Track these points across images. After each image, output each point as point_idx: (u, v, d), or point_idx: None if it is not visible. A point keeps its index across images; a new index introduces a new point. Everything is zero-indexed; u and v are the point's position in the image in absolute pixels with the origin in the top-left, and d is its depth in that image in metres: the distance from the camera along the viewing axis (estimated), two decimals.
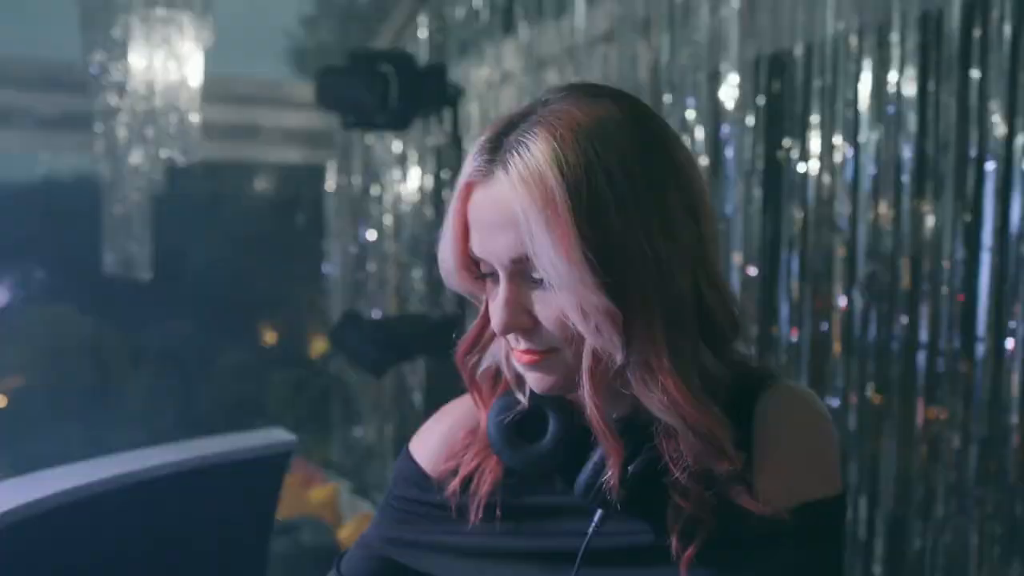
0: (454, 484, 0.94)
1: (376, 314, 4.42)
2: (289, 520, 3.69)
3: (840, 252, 2.64)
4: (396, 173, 4.72)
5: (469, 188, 0.83)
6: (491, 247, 0.82)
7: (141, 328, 4.89)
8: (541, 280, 0.81)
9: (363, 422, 5.31)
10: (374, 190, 4.94)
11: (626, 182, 0.78)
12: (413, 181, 4.59)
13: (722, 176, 2.94)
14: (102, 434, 4.77)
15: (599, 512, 0.86)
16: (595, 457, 0.86)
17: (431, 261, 4.37)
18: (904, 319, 2.50)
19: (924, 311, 2.42)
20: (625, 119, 0.81)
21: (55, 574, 1.16)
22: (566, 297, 0.79)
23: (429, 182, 4.52)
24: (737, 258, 2.89)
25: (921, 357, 2.45)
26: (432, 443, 0.99)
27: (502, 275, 0.83)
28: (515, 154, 0.79)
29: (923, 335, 2.43)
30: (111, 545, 1.23)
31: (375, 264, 4.95)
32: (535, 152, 0.78)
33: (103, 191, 4.11)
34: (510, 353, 0.88)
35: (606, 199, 0.78)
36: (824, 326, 2.70)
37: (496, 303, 0.83)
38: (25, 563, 1.11)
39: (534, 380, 0.86)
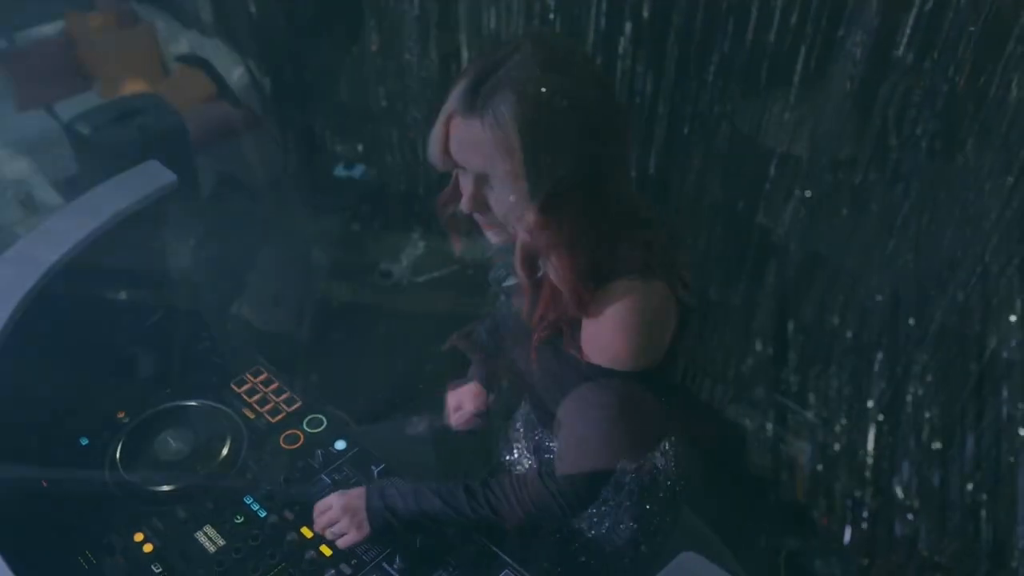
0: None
1: None
2: (124, 103, 3.42)
3: None
4: None
5: (452, 115, 1.14)
6: (462, 160, 1.17)
7: None
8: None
9: None
10: None
11: (567, 148, 1.11)
12: None
13: None
14: None
15: (503, 297, 1.44)
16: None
17: None
18: None
19: None
20: (575, 92, 1.10)
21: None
22: (510, 211, 1.18)
23: None
24: None
25: None
26: None
27: (469, 176, 1.19)
28: (490, 112, 1.09)
29: None
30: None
31: None
32: (507, 116, 1.08)
33: None
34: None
35: (550, 159, 1.11)
36: None
37: (464, 194, 1.21)
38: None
39: (489, 236, 1.28)
